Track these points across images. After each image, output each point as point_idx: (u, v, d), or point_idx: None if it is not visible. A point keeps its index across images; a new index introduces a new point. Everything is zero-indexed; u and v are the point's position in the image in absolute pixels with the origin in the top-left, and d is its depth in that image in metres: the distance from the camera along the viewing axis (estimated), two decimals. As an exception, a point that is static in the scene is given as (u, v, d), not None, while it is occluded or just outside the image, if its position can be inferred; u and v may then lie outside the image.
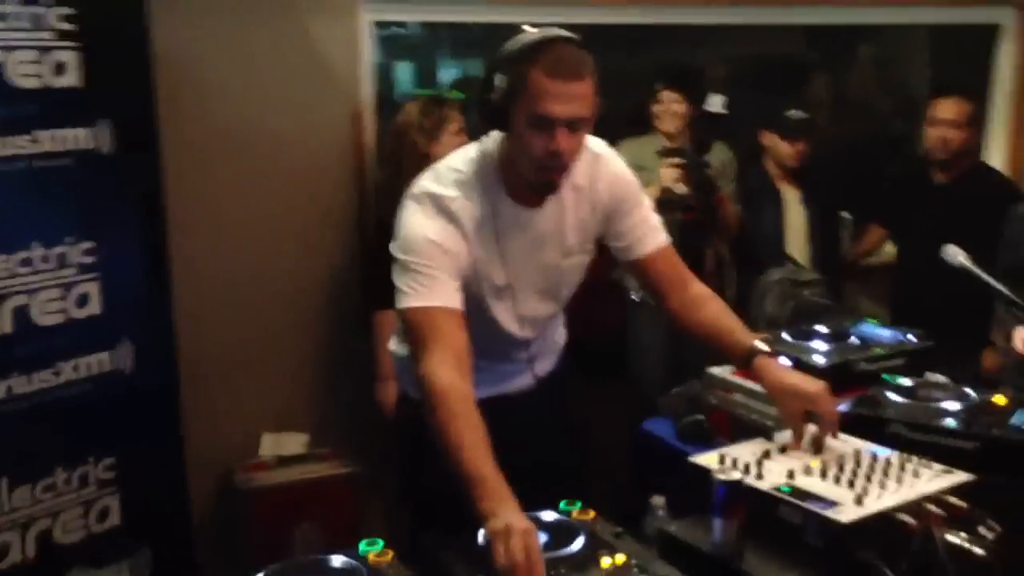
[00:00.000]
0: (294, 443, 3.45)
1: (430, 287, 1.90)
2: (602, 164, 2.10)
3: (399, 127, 3.28)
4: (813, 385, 1.96)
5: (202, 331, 3.30)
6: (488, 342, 2.10)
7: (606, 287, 3.69)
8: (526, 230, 2.05)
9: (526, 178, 1.96)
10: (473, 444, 1.71)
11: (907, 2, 4.27)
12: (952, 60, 4.82)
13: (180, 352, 3.06)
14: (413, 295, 1.90)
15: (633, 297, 3.71)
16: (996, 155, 4.49)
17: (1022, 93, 4.45)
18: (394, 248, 1.97)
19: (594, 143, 2.08)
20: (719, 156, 3.77)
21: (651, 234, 2.17)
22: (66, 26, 2.61)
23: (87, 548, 2.78)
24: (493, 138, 2.02)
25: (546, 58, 1.82)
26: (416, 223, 1.95)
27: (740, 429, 2.30)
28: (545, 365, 2.32)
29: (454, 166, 2.03)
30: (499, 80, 1.87)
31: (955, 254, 2.98)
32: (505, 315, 2.13)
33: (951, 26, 4.54)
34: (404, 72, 4.48)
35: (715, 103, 3.56)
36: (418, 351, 1.88)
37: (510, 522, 1.56)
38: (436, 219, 1.95)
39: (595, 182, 2.09)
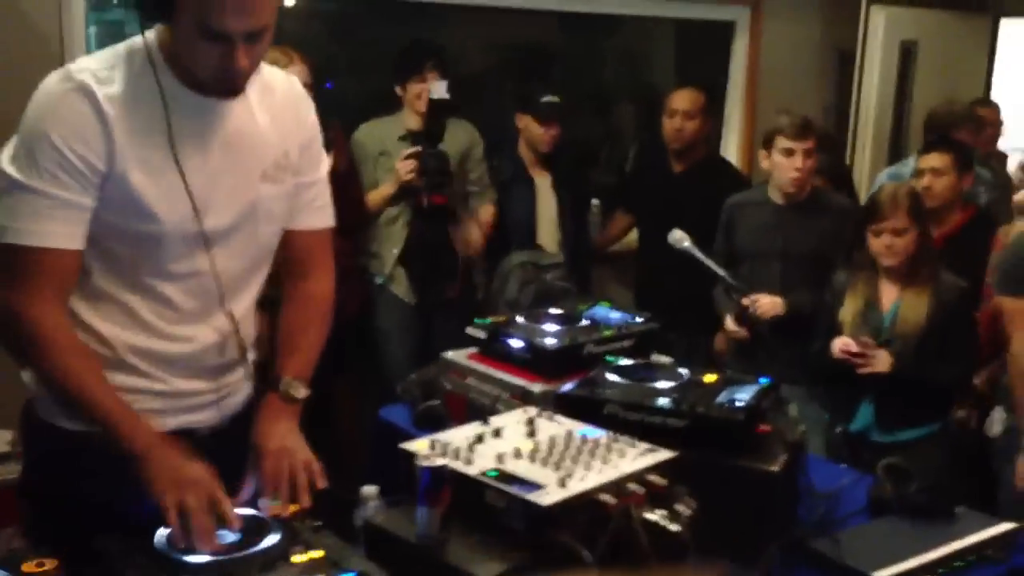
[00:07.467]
0: (-1, 441, 3.12)
1: (46, 218, 1.56)
2: (293, 83, 1.81)
3: None
4: (273, 443, 1.74)
5: None
6: (173, 320, 1.73)
7: (349, 271, 3.56)
8: (209, 126, 1.66)
9: (200, 77, 1.61)
10: (101, 384, 1.62)
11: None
12: (694, 54, 5.04)
13: None
14: (22, 229, 1.56)
15: (377, 281, 3.60)
16: (731, 146, 4.72)
17: (752, 87, 4.71)
18: (5, 157, 1.60)
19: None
20: (463, 139, 3.65)
21: (324, 210, 1.91)
22: None
23: None
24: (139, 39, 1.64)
25: None
26: (40, 118, 1.56)
27: (475, 413, 2.23)
28: (237, 396, 1.91)
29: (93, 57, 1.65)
30: None
31: (680, 239, 3.08)
32: (199, 269, 1.71)
33: (694, 21, 4.74)
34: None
35: (438, 89, 3.32)
36: (10, 283, 1.59)
37: (182, 471, 1.53)
38: (71, 113, 1.56)
39: (287, 101, 1.78)
